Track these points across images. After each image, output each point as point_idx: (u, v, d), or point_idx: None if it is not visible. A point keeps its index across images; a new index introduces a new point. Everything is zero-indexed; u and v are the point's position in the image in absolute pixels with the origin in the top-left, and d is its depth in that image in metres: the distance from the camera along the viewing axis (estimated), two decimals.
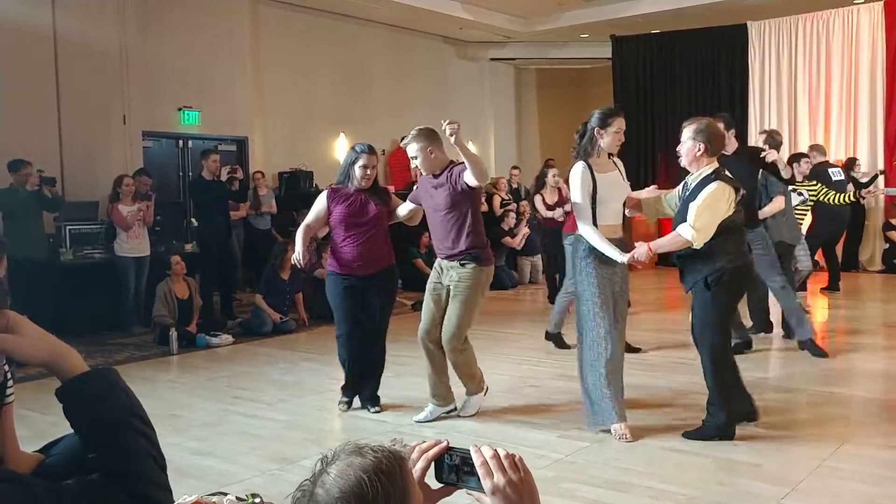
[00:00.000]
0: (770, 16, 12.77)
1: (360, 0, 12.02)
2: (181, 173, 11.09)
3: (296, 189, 11.39)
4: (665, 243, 4.40)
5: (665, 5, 12.78)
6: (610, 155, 4.57)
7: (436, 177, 4.74)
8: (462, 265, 4.68)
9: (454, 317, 4.71)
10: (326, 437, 4.73)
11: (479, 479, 1.31)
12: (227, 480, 3.91)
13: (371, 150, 5.06)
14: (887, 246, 11.62)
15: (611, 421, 4.42)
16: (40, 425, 4.31)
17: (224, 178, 8.90)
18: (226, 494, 3.59)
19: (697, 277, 4.29)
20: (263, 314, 8.06)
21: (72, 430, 1.50)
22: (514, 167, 13.58)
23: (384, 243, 5.09)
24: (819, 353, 6.20)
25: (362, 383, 5.17)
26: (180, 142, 11.06)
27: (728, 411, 4.32)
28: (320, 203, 5.09)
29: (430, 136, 4.71)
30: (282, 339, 7.76)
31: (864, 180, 10.49)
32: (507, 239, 11.19)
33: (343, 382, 5.24)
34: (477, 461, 1.32)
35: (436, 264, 4.90)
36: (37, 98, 9.03)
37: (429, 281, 4.92)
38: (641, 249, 4.26)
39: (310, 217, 5.15)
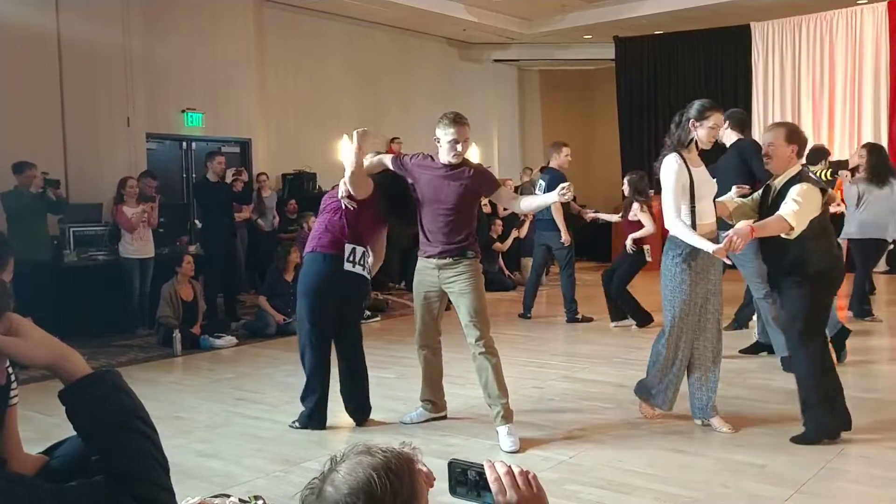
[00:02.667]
0: (773, 17, 12.76)
1: (364, 2, 12.04)
2: (185, 175, 11.11)
3: (299, 191, 11.40)
4: (768, 224, 4.19)
5: (668, 6, 12.78)
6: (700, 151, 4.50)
7: (452, 168, 4.48)
8: (457, 260, 4.49)
9: (474, 311, 4.43)
10: (330, 439, 4.72)
11: (492, 495, 1.31)
12: (230, 482, 3.91)
13: None
14: (892, 247, 11.58)
15: (707, 414, 4.55)
16: (44, 427, 4.32)
17: (229, 180, 8.92)
18: (229, 496, 3.61)
19: (790, 280, 4.27)
20: (267, 316, 8.07)
21: (75, 432, 1.50)
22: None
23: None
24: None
25: None
26: (184, 144, 11.09)
27: (827, 409, 4.25)
28: None
29: None
30: (285, 341, 7.75)
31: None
32: (497, 245, 11.41)
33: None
34: (490, 477, 1.32)
35: (420, 268, 4.63)
36: (41, 100, 9.06)
37: (417, 287, 4.68)
38: (744, 229, 4.08)
39: None
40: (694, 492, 3.63)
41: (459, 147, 4.42)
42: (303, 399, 4.89)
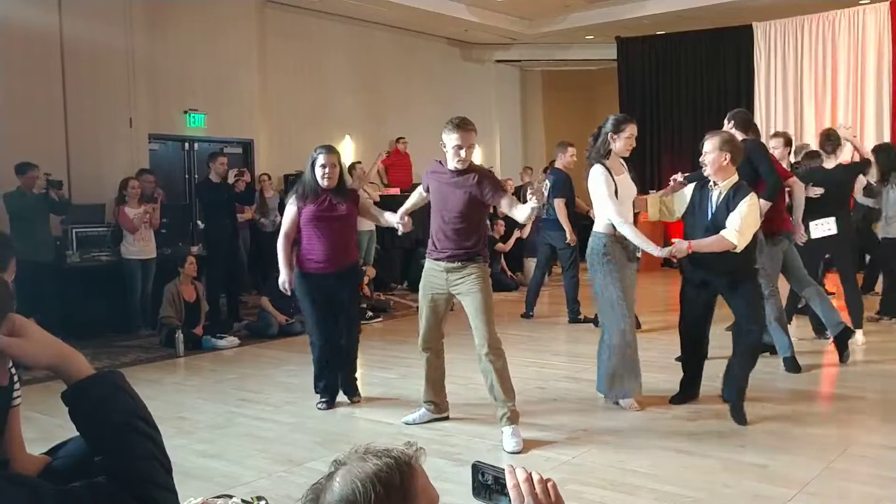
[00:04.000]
0: (775, 17, 12.75)
1: (365, 3, 12.04)
2: (187, 176, 11.11)
3: None
4: (708, 244, 4.60)
5: (670, 7, 12.77)
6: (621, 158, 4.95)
7: (458, 174, 4.46)
8: (464, 265, 4.47)
9: (482, 315, 4.40)
10: (332, 439, 4.72)
11: (510, 501, 1.31)
12: (232, 483, 3.91)
13: (329, 150, 5.12)
14: None
15: (629, 395, 4.94)
16: (47, 427, 4.33)
17: (231, 180, 8.92)
18: (231, 497, 3.62)
19: (742, 274, 4.65)
20: (269, 316, 8.07)
21: (78, 433, 1.51)
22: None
23: (350, 242, 5.27)
24: (796, 369, 5.83)
25: (340, 375, 5.33)
26: (186, 144, 11.09)
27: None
28: (291, 208, 5.18)
29: None
30: (288, 342, 7.77)
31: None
32: (500, 245, 11.44)
33: (323, 383, 5.33)
34: (509, 482, 1.32)
35: (428, 270, 4.62)
36: (43, 101, 9.06)
37: (423, 289, 4.66)
38: (682, 245, 4.58)
39: (286, 225, 5.24)
40: (696, 492, 3.63)
41: (463, 153, 4.39)
42: (353, 384, 5.36)
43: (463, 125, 4.41)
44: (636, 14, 13.11)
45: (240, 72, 11.21)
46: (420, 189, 4.92)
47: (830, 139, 6.74)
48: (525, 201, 4.36)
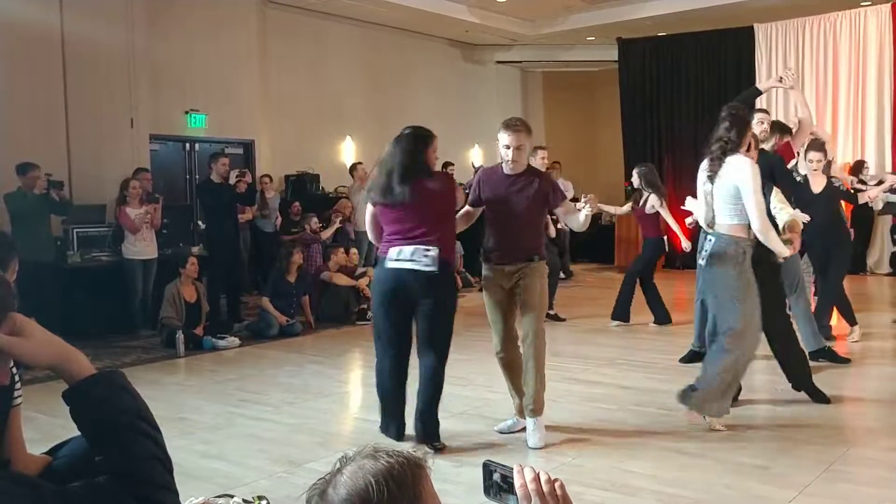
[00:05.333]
0: (777, 18, 12.73)
1: (366, 3, 12.05)
2: (188, 176, 11.12)
3: (302, 192, 11.42)
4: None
5: (671, 8, 12.76)
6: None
7: (517, 178, 4.39)
8: (528, 264, 4.38)
9: (536, 311, 4.34)
10: (333, 439, 4.73)
11: (517, 500, 1.31)
12: (233, 483, 3.91)
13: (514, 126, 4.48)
14: (895, 248, 11.58)
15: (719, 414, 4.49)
16: (48, 427, 4.32)
17: (232, 181, 8.93)
18: (232, 497, 3.61)
19: (771, 268, 4.76)
20: (270, 317, 8.07)
21: (79, 433, 1.51)
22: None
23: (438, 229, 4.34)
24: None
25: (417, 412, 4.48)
26: (187, 145, 11.09)
27: None
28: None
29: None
30: (288, 342, 7.77)
31: (872, 183, 10.42)
32: None
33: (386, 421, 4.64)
34: (517, 482, 1.32)
35: (490, 276, 4.46)
36: (44, 101, 9.06)
37: (488, 296, 4.50)
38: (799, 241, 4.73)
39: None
40: (697, 493, 3.63)
41: (511, 153, 4.32)
42: (431, 424, 4.41)
43: (511, 125, 4.36)
44: (637, 15, 13.11)
45: (241, 72, 11.21)
46: (466, 207, 4.64)
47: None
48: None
